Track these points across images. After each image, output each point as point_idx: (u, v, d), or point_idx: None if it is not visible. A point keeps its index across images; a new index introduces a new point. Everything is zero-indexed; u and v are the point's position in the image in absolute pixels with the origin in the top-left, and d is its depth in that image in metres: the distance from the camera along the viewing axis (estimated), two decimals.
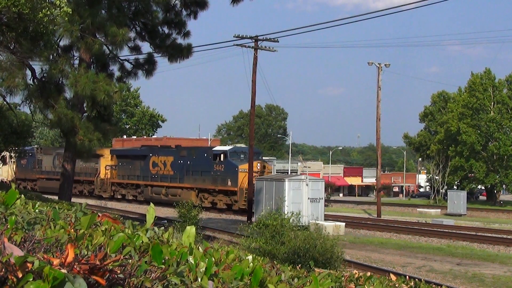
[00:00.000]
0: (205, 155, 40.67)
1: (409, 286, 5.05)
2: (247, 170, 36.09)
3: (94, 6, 20.07)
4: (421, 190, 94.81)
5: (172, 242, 2.87)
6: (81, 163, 52.74)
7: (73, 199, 45.63)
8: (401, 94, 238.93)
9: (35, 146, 62.44)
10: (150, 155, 45.57)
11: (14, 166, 58.83)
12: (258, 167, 38.41)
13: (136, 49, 24.08)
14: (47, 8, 13.97)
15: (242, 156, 39.52)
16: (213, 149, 41.47)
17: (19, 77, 18.91)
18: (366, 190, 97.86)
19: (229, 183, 38.78)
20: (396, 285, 4.81)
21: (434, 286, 7.52)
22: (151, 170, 45.23)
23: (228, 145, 39.64)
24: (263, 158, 45.98)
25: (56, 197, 45.14)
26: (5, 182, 59.31)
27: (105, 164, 49.56)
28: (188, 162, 41.71)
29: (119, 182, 48.93)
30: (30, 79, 21.02)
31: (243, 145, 40.72)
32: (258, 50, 34.91)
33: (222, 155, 39.38)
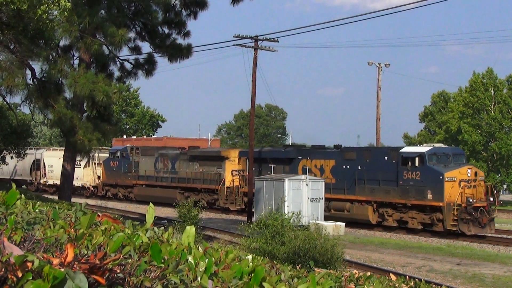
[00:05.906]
0: (386, 158, 32.24)
1: (409, 286, 5.05)
2: (456, 179, 29.29)
3: (93, 6, 20.07)
4: None
5: (171, 242, 2.87)
6: (196, 167, 42.23)
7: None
8: (401, 94, 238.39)
9: (128, 145, 51.26)
10: (299, 158, 36.83)
11: (101, 168, 49.59)
12: (469, 174, 29.81)
13: (136, 49, 24.09)
14: (46, 5, 13.96)
15: (442, 159, 30.84)
16: (402, 150, 31.93)
17: (19, 77, 18.94)
18: None
19: (429, 196, 30.00)
20: (396, 285, 4.81)
21: (434, 286, 7.53)
22: None
23: (426, 145, 32.35)
24: None
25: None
26: (88, 188, 50.79)
27: (231, 169, 39.85)
28: (359, 168, 33.27)
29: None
30: (30, 79, 21.07)
31: (442, 145, 32.94)
32: (258, 50, 34.90)
33: (417, 159, 30.58)
